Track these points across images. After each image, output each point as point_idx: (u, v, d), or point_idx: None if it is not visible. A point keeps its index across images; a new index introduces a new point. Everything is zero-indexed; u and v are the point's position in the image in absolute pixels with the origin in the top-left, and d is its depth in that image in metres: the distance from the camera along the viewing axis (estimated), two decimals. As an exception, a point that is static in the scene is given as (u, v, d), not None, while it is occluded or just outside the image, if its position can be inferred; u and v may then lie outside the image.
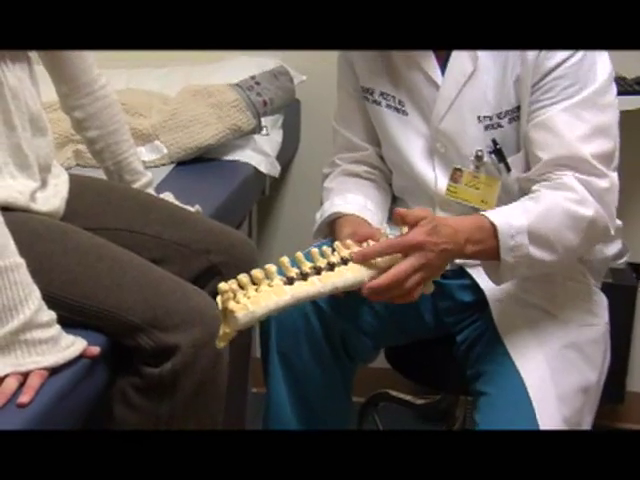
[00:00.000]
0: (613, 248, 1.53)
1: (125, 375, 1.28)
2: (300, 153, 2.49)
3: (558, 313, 1.44)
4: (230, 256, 1.49)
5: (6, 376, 1.11)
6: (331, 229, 1.50)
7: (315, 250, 1.19)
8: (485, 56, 1.39)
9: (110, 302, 1.24)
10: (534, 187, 1.36)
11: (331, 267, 1.18)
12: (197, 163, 2.02)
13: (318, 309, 1.47)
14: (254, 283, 1.10)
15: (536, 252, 1.31)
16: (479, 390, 1.41)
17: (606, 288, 1.56)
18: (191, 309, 1.27)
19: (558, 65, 1.33)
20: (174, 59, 2.32)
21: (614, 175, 1.37)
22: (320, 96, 2.30)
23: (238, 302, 1.07)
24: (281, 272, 1.14)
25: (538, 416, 1.32)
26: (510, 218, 1.30)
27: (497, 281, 1.35)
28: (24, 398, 1.08)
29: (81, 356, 1.18)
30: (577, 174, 1.33)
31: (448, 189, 1.46)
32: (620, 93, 1.45)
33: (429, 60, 1.42)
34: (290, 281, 1.13)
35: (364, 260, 1.22)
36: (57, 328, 1.17)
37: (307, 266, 1.17)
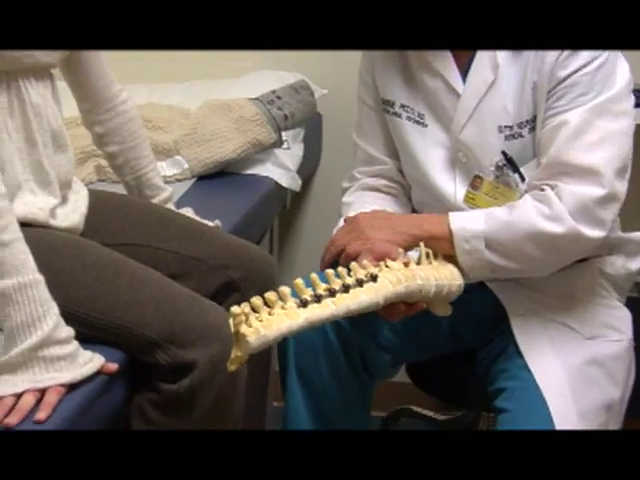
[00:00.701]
0: (638, 262, 1.51)
1: (143, 391, 1.28)
2: (322, 167, 2.48)
3: (579, 328, 1.43)
4: (249, 271, 1.49)
5: (23, 392, 1.11)
6: None
7: (330, 271, 1.17)
8: (505, 65, 1.38)
9: (128, 318, 1.24)
10: (526, 194, 1.37)
11: (346, 289, 1.16)
12: (218, 177, 2.02)
13: (337, 325, 1.46)
14: (267, 306, 1.09)
15: (494, 258, 1.34)
16: (499, 406, 1.39)
17: (631, 303, 1.54)
18: (208, 325, 1.27)
19: (572, 73, 1.33)
20: (195, 74, 2.33)
21: (620, 184, 1.35)
22: (342, 110, 2.29)
23: (250, 326, 1.06)
24: (295, 294, 1.13)
25: (559, 433, 1.30)
26: (469, 222, 1.34)
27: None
28: (41, 415, 1.09)
29: (99, 372, 1.18)
30: (566, 184, 1.32)
31: (467, 195, 1.45)
32: (638, 105, 1.43)
33: (450, 69, 1.42)
34: (304, 304, 1.11)
35: None
36: (75, 344, 1.17)
37: (322, 288, 1.14)
